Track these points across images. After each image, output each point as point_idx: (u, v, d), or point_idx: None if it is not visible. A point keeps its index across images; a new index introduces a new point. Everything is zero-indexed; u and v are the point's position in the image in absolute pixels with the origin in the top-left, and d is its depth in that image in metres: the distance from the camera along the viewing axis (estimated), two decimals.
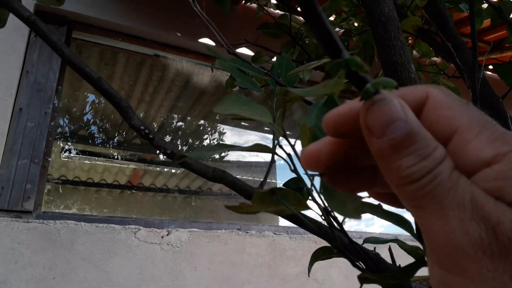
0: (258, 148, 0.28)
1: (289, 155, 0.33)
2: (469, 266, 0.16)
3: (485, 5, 1.07)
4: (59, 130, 2.18)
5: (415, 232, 0.29)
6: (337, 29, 1.05)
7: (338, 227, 0.32)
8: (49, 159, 1.52)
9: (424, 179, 0.17)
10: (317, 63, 0.38)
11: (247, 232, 1.69)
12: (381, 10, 0.57)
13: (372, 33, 0.59)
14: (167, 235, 1.54)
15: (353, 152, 0.22)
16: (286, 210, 0.27)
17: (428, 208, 0.17)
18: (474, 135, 0.18)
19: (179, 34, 1.86)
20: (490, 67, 2.37)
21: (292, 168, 0.32)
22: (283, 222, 3.04)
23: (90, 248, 1.40)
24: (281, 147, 0.32)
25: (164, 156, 2.74)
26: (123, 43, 1.84)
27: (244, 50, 1.92)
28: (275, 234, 1.76)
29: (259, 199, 0.27)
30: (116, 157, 2.63)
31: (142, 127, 0.45)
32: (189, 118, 2.55)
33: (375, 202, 0.24)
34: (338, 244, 0.33)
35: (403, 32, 0.88)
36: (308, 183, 0.31)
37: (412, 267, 0.26)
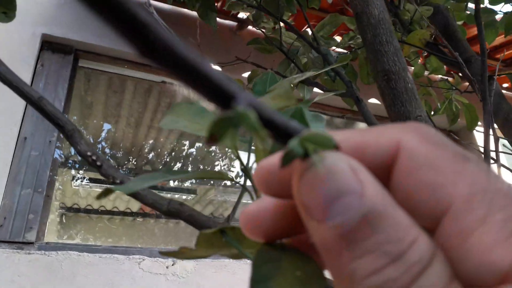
0: (208, 175, 0.23)
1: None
2: None
3: (498, 16, 1.02)
4: (69, 158, 2.18)
5: None
6: (338, 49, 1.01)
7: None
8: (60, 187, 1.50)
9: None
10: (301, 77, 0.34)
11: None
12: (370, 12, 0.51)
13: (362, 38, 0.54)
14: (172, 265, 1.48)
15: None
16: (240, 254, 0.21)
17: None
18: (478, 218, 0.11)
19: None
20: (505, 85, 2.28)
21: (255, 199, 0.26)
22: None
23: (92, 280, 1.35)
24: (245, 171, 0.26)
25: (175, 183, 2.70)
26: (130, 70, 1.84)
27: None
28: None
29: (205, 241, 0.21)
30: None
31: (89, 153, 0.41)
32: (198, 144, 2.52)
33: None
34: None
35: (412, 47, 0.83)
36: None
37: None
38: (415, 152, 0.12)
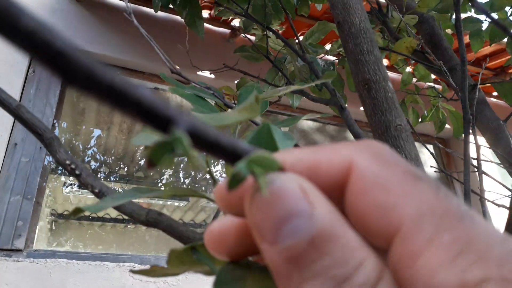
0: (180, 192, 0.23)
1: None
2: None
3: (484, 26, 1.04)
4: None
5: None
6: (329, 56, 1.02)
7: None
8: (51, 194, 1.49)
9: None
10: (285, 90, 0.34)
11: None
12: (351, 21, 0.51)
13: (343, 47, 0.54)
14: None
15: None
16: (212, 271, 0.21)
17: None
18: (426, 240, 0.11)
19: (178, 67, 1.86)
20: (495, 93, 2.31)
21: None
22: None
23: None
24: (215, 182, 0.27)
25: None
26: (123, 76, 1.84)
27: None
28: None
29: (176, 259, 0.21)
30: (119, 190, 2.59)
31: (67, 162, 0.41)
32: None
33: None
34: None
35: (398, 55, 0.84)
36: None
37: None
38: (366, 172, 0.12)
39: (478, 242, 0.10)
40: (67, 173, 2.29)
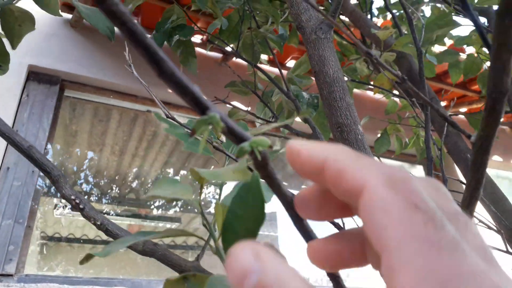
0: (173, 233, 0.26)
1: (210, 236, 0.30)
2: None
3: (463, 56, 1.10)
4: (51, 187, 2.16)
5: None
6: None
7: None
8: (42, 216, 1.49)
9: None
10: (267, 127, 0.37)
11: None
12: (326, 71, 0.57)
13: (319, 94, 0.59)
14: None
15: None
16: None
17: None
18: (403, 260, 0.13)
19: (170, 91, 1.90)
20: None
21: (215, 250, 0.29)
22: None
23: None
24: (205, 225, 0.29)
25: (159, 211, 2.70)
26: (115, 100, 1.87)
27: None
28: None
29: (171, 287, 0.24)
30: (110, 213, 2.59)
31: (73, 197, 0.44)
32: (183, 172, 2.54)
33: None
34: None
35: (376, 88, 0.88)
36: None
37: None
38: (375, 195, 0.15)
39: (445, 272, 0.12)
40: (58, 196, 2.28)
